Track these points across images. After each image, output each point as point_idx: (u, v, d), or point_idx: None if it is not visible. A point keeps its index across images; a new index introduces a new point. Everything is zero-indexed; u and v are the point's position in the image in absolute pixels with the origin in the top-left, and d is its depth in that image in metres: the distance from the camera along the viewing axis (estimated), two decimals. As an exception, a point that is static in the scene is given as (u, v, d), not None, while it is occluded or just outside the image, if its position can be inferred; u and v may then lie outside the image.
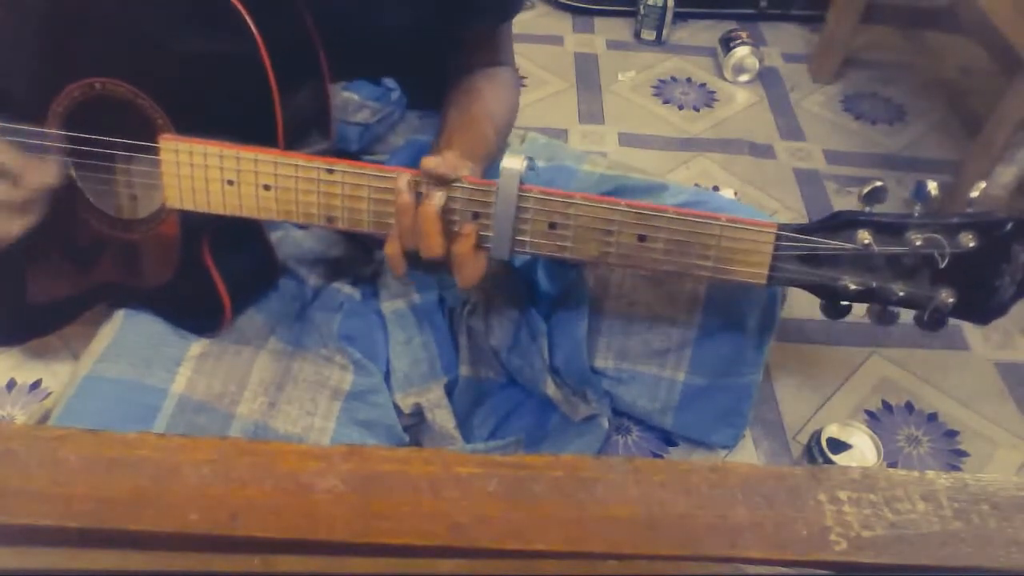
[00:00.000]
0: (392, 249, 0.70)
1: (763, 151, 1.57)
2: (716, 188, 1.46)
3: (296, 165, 0.69)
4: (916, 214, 0.62)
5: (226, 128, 0.69)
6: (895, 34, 1.93)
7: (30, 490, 0.37)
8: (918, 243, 0.62)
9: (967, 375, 1.16)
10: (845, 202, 1.46)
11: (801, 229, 0.65)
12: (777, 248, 0.66)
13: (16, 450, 0.39)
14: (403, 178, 0.67)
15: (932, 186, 0.62)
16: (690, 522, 0.38)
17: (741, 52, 1.72)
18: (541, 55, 1.78)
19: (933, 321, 0.65)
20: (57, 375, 1.05)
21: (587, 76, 1.74)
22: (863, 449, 0.95)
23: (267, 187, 0.70)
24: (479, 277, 0.70)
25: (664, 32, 1.83)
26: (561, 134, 1.56)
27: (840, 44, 1.72)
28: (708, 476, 0.40)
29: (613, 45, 1.85)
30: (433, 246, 0.68)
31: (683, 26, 1.92)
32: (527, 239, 0.69)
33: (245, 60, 0.66)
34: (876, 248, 0.62)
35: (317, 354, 0.84)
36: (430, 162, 0.66)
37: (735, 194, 1.44)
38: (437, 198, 0.66)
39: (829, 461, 0.94)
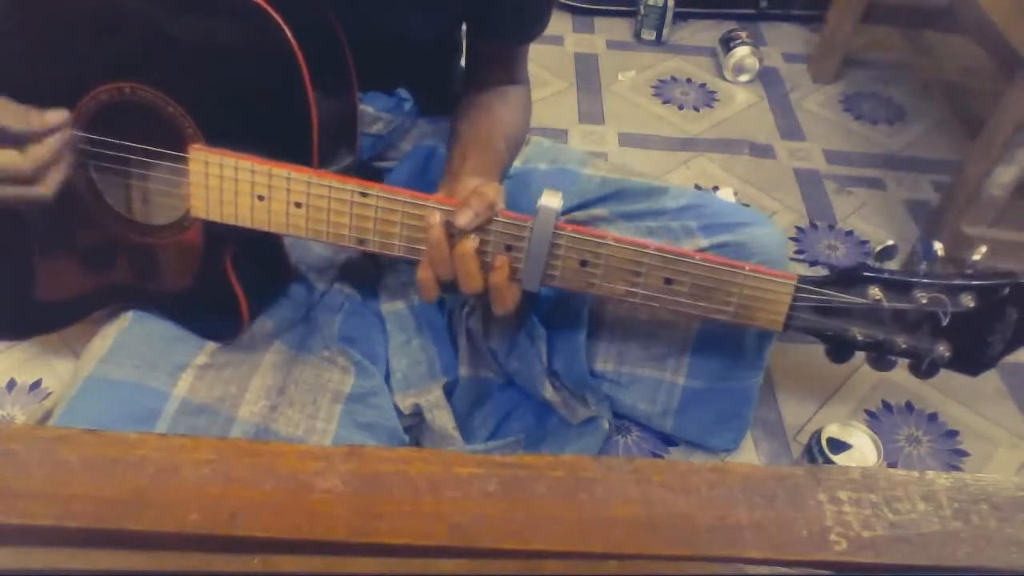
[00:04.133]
0: (424, 274, 0.71)
1: (763, 151, 1.57)
2: (716, 188, 1.46)
3: (330, 186, 0.68)
4: (922, 272, 0.68)
5: (258, 142, 0.68)
6: (895, 34, 1.92)
7: (30, 490, 0.37)
8: (923, 301, 0.67)
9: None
10: (845, 202, 1.46)
11: (818, 282, 0.70)
12: (795, 299, 0.70)
13: (16, 450, 0.39)
14: (436, 215, 0.68)
15: (938, 247, 0.68)
16: (690, 522, 0.38)
17: (741, 52, 1.72)
18: (541, 55, 1.78)
19: (928, 371, 0.72)
20: (58, 375, 1.05)
21: (587, 76, 1.74)
22: (863, 449, 0.95)
23: (298, 205, 0.69)
24: (515, 305, 0.72)
25: (664, 32, 1.83)
26: (561, 134, 1.56)
27: (840, 44, 1.72)
28: (708, 476, 0.40)
29: (613, 45, 1.85)
30: (473, 283, 0.69)
31: (683, 26, 1.92)
32: (557, 273, 0.71)
33: (284, 76, 0.66)
34: (886, 304, 0.68)
35: (319, 356, 0.84)
36: (463, 218, 0.67)
37: (735, 194, 1.44)
38: (471, 240, 0.68)
39: (829, 461, 0.94)
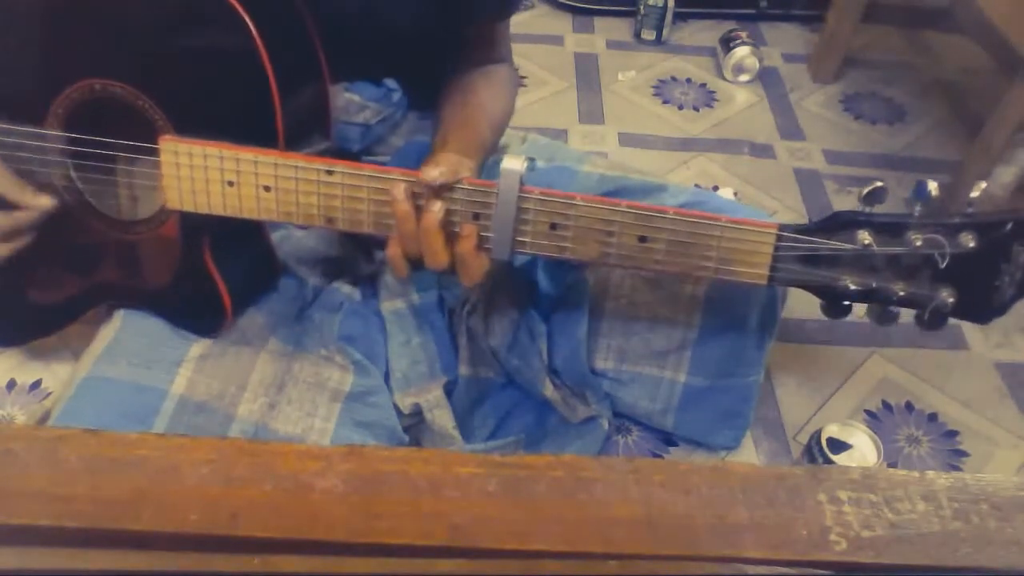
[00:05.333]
0: (394, 252, 0.70)
1: (763, 151, 1.57)
2: (716, 188, 1.46)
3: (296, 166, 0.68)
4: (916, 214, 0.63)
5: (226, 129, 0.68)
6: (895, 34, 1.92)
7: (30, 490, 0.37)
8: (918, 243, 0.62)
9: (967, 375, 1.16)
10: (845, 202, 1.46)
11: (801, 230, 0.65)
12: (778, 249, 0.66)
13: (16, 450, 0.39)
14: (400, 186, 0.67)
15: (932, 186, 0.62)
16: (690, 522, 0.38)
17: (741, 52, 1.72)
18: (541, 55, 1.78)
19: (933, 321, 0.66)
20: (57, 375, 1.05)
21: (587, 76, 1.74)
22: (863, 449, 0.95)
23: (267, 188, 0.70)
24: (482, 276, 0.70)
25: (664, 32, 1.83)
26: (561, 134, 1.56)
27: (840, 44, 1.72)
28: (708, 476, 0.40)
29: (613, 45, 1.85)
30: (437, 257, 0.68)
31: (683, 26, 1.92)
32: (528, 240, 0.69)
33: (245, 61, 0.66)
34: (876, 248, 0.63)
35: (317, 355, 0.84)
36: (431, 173, 0.66)
37: (735, 194, 1.44)
38: (436, 209, 0.67)
39: (829, 461, 0.94)
